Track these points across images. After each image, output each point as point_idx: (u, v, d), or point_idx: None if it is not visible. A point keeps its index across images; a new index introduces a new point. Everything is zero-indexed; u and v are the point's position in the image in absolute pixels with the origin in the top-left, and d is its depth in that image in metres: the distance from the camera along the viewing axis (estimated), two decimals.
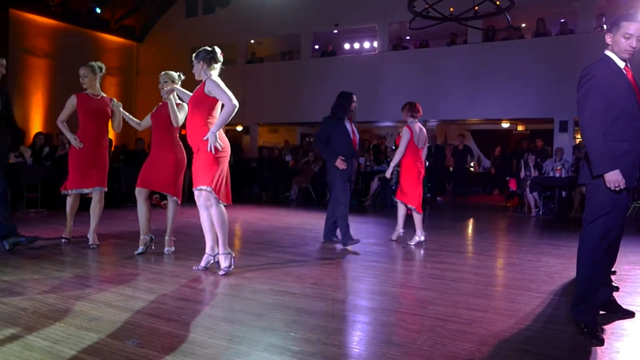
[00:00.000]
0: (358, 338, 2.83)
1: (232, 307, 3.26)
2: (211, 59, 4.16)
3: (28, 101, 13.72)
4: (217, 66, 4.22)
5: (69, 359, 2.40)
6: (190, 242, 5.51)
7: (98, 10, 14.53)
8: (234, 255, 4.25)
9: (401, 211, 5.97)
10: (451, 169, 13.49)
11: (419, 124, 5.92)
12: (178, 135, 5.07)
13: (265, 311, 3.19)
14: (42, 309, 3.12)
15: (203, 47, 4.24)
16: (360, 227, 7.16)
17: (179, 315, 3.07)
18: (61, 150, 9.01)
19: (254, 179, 12.74)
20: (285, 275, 4.16)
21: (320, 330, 2.88)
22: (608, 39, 2.96)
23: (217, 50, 4.23)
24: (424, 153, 6.01)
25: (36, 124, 13.40)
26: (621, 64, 2.92)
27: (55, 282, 3.77)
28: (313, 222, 7.67)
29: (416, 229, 5.78)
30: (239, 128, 15.78)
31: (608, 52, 2.96)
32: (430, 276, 4.27)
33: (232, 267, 4.18)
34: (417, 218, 5.79)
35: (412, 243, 5.74)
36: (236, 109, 3.98)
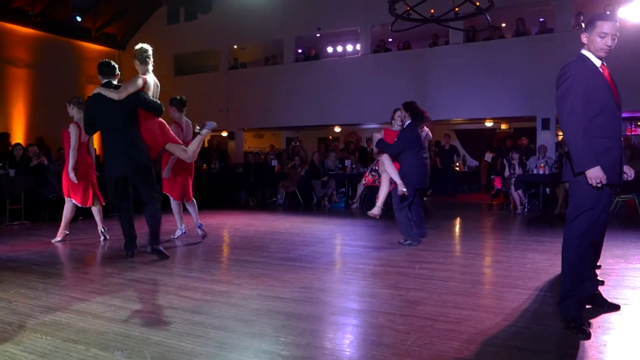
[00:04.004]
0: (348, 340, 2.84)
1: (222, 314, 3.25)
2: (179, 104, 6.13)
3: (9, 112, 13.55)
4: (184, 110, 6.15)
5: None
6: (175, 250, 5.48)
7: (79, 19, 14.37)
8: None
9: None
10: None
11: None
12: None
13: (254, 317, 3.19)
14: (28, 323, 3.08)
15: (175, 97, 6.08)
16: (347, 230, 7.18)
17: (167, 325, 3.05)
18: (35, 160, 8.68)
19: (240, 185, 12.68)
20: (274, 281, 4.16)
21: (310, 334, 2.88)
22: (584, 38, 3.01)
23: (184, 99, 6.15)
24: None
25: (18, 135, 13.22)
26: (597, 63, 2.97)
27: (41, 295, 3.73)
28: (301, 226, 7.67)
29: None
30: (224, 134, 15.71)
31: (584, 51, 3.01)
32: (418, 276, 4.29)
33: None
34: None
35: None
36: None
